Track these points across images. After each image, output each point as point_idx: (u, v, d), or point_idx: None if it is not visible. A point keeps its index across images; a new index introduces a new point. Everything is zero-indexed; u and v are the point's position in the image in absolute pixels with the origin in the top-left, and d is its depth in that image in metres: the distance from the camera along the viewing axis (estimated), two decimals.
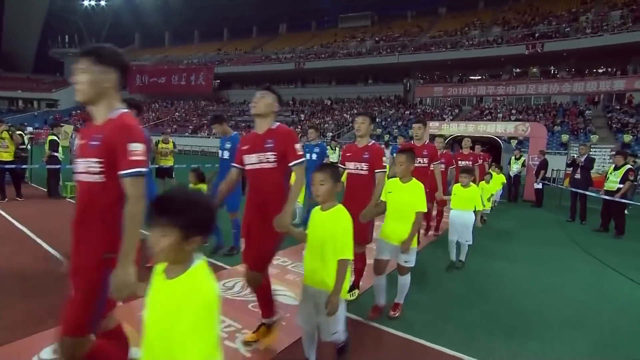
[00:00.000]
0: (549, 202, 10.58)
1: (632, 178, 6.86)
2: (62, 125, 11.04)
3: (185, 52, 46.93)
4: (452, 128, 12.88)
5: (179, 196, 1.12)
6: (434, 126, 13.14)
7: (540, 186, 10.02)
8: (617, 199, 6.81)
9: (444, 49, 31.72)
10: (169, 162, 7.08)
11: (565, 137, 20.37)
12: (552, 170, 16.04)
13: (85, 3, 49.13)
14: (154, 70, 42.28)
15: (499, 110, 26.73)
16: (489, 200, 6.04)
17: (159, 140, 7.09)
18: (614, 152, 10.69)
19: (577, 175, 7.95)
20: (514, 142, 20.32)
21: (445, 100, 32.06)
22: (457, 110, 28.96)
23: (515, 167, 10.69)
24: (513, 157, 10.88)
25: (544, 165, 10.19)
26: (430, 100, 33.01)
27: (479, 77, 32.55)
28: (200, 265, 1.13)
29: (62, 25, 48.09)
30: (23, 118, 36.13)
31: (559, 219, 8.34)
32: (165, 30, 51.27)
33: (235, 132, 4.56)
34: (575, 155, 8.22)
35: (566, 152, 18.17)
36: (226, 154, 4.32)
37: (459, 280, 4.15)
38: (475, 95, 30.84)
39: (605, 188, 7.13)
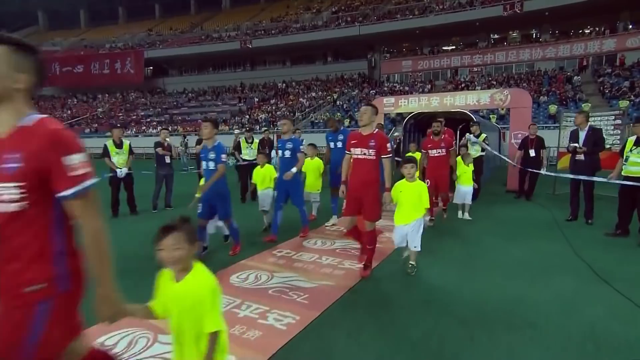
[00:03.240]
0: (540, 190, 8.75)
1: None
2: None
3: (107, 34, 42.85)
4: (412, 104, 10.79)
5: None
6: (388, 103, 11.07)
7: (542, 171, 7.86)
8: None
9: (411, 16, 30.24)
10: None
11: (553, 108, 18.98)
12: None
13: None
14: (68, 57, 38.17)
15: (476, 83, 25.48)
16: None
17: None
18: (619, 121, 8.93)
19: (580, 156, 5.94)
20: (493, 118, 18.67)
21: (415, 75, 30.58)
22: (429, 86, 27.33)
23: (473, 149, 8.36)
24: (471, 136, 8.54)
25: (541, 143, 8.15)
26: (399, 76, 31.47)
27: (453, 47, 31.44)
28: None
29: None
30: None
31: (555, 218, 6.34)
32: (80, 7, 46.63)
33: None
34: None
35: (556, 125, 16.74)
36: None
37: None
38: (449, 68, 29.70)
39: (623, 173, 5.09)
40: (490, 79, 26.21)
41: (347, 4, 36.34)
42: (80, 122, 33.06)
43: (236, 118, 30.75)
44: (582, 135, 5.98)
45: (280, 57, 37.05)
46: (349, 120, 24.44)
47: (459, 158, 6.43)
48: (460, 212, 6.54)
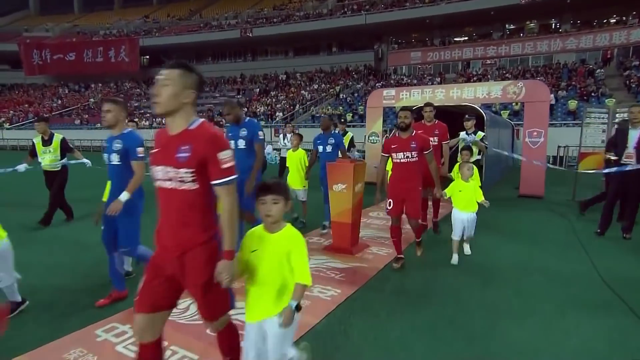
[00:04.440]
0: (554, 191, 8.21)
1: None
2: None
3: (102, 20, 42.32)
4: (415, 97, 10.01)
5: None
6: (388, 95, 10.32)
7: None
8: None
9: (420, 5, 29.35)
10: None
11: (573, 104, 18.06)
12: (559, 147, 13.71)
13: None
14: (59, 45, 37.57)
15: (489, 76, 24.61)
16: None
17: None
18: None
19: (631, 160, 4.94)
20: (505, 113, 17.75)
21: (424, 67, 29.74)
22: (438, 79, 26.44)
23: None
24: (466, 135, 6.70)
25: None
26: (407, 68, 30.63)
27: (465, 38, 30.54)
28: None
29: None
30: None
31: (576, 232, 5.52)
32: None
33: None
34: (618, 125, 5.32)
35: (576, 122, 15.82)
36: None
37: None
38: (460, 60, 28.85)
39: None
40: (504, 72, 25.29)
41: None
42: (70, 112, 32.58)
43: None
44: (634, 134, 4.98)
45: (282, 47, 36.34)
46: (351, 115, 23.65)
47: (455, 169, 4.89)
48: (454, 252, 4.37)
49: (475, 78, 24.85)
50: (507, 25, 29.00)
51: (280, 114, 26.56)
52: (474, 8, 26.55)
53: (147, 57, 39.21)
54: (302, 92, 30.30)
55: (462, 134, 6.62)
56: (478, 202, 4.39)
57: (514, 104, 17.62)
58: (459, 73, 27.66)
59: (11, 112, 34.42)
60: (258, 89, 32.93)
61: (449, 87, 9.85)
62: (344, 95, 27.94)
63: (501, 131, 11.31)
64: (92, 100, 35.61)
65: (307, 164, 5.78)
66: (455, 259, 4.34)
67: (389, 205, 4.17)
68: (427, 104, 5.41)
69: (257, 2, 39.52)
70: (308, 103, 28.33)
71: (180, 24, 38.90)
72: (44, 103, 35.74)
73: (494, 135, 9.58)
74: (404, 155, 4.07)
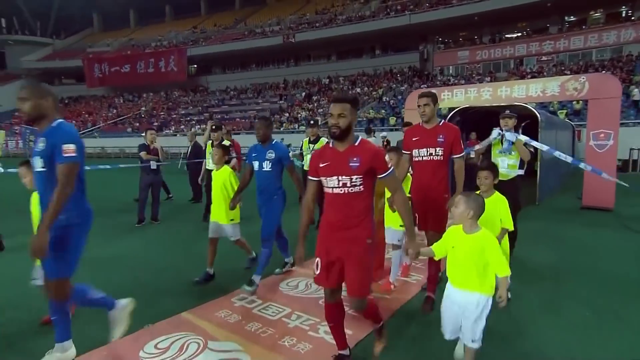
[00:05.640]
0: (627, 203, 7.01)
1: None
2: None
3: (154, 33, 44.49)
4: (457, 97, 9.10)
5: None
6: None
7: None
8: None
9: (468, 1, 27.75)
10: None
11: None
12: (631, 150, 12.12)
13: None
14: (116, 58, 40.06)
15: (545, 73, 22.62)
16: None
17: None
18: None
19: None
20: (562, 113, 16.02)
21: (473, 67, 28.16)
22: (488, 79, 24.80)
23: (501, 160, 4.18)
24: (497, 140, 4.30)
25: None
26: (454, 68, 29.21)
27: (518, 34, 28.58)
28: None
29: None
30: None
31: None
32: (130, 7, 48.71)
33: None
34: None
35: None
36: None
37: None
38: (512, 58, 26.98)
39: None
40: (562, 68, 23.14)
41: None
42: (124, 121, 34.39)
43: (275, 116, 30.20)
44: None
45: (325, 52, 36.14)
46: (395, 118, 22.78)
47: (464, 198, 2.31)
48: (458, 342, 2.41)
49: (529, 76, 23.03)
50: (566, 18, 26.71)
51: (320, 118, 26.18)
52: (529, 1, 24.67)
53: (195, 66, 40.59)
54: None
55: (494, 132, 4.28)
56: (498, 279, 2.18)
57: (574, 102, 15.93)
58: (510, 71, 25.78)
59: (73, 122, 37.02)
60: (304, 94, 32.80)
61: (497, 85, 8.85)
62: (387, 98, 27.08)
63: (559, 133, 10.06)
64: (143, 109, 37.47)
65: (236, 187, 4.03)
66: (459, 352, 2.43)
67: (316, 267, 2.40)
68: (423, 95, 3.35)
69: (299, 8, 39.64)
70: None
71: (225, 33, 39.88)
72: (101, 113, 38.13)
73: (550, 138, 8.46)
74: (338, 180, 2.27)
